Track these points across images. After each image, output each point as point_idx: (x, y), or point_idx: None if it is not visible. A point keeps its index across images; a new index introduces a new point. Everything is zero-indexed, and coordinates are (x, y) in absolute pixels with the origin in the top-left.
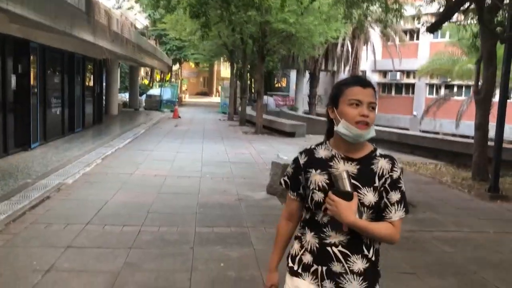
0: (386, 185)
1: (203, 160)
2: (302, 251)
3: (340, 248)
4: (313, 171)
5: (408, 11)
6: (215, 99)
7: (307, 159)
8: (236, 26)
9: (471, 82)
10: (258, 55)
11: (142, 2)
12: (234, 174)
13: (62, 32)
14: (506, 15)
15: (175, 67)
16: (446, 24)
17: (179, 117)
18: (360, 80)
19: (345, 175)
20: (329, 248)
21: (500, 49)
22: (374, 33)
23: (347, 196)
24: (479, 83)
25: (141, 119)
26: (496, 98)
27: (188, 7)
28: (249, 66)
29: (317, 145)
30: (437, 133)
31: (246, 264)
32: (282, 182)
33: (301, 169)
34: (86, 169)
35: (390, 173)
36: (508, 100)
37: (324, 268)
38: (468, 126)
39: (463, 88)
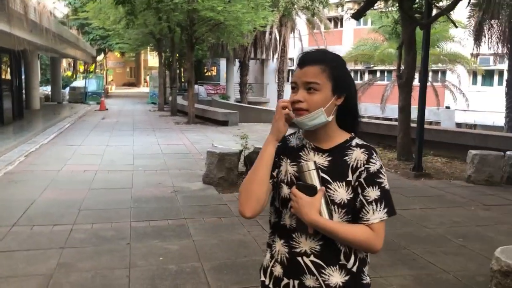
0: (362, 180)
1: (135, 153)
2: (272, 262)
3: (312, 258)
4: (285, 159)
5: None
6: (143, 89)
7: (281, 146)
8: (163, 14)
9: (393, 67)
10: (187, 44)
11: None
12: (168, 165)
13: None
14: (424, 2)
15: (100, 57)
16: (369, 11)
17: (106, 109)
18: (299, 59)
19: (311, 166)
20: (299, 259)
21: (420, 35)
22: (301, 20)
23: (311, 191)
24: (401, 68)
25: (65, 112)
26: (417, 82)
27: None
28: (178, 55)
29: (292, 133)
30: (362, 116)
31: (186, 256)
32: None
33: (276, 154)
34: (9, 167)
35: (366, 166)
36: (427, 84)
37: (296, 282)
38: (392, 110)
39: (385, 73)
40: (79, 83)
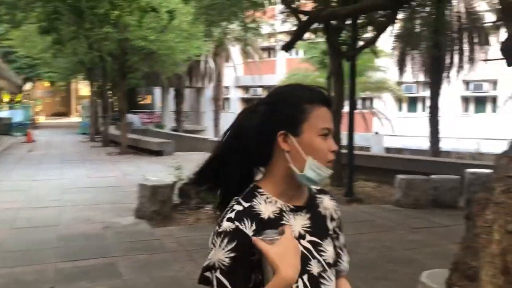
0: (337, 229)
1: (63, 187)
2: None
3: None
4: None
5: (265, 29)
6: (74, 119)
7: (256, 226)
8: (93, 43)
9: None
10: (119, 73)
11: None
12: (98, 200)
13: None
14: (349, 35)
15: (27, 86)
16: (299, 42)
17: (34, 140)
18: (324, 96)
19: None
20: None
21: (347, 65)
22: (235, 50)
23: None
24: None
25: None
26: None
27: (37, 22)
28: (110, 84)
29: (247, 198)
30: None
31: None
32: (215, 283)
33: (251, 245)
34: None
35: (337, 213)
36: (355, 111)
37: None
38: None
39: None
40: (3, 113)
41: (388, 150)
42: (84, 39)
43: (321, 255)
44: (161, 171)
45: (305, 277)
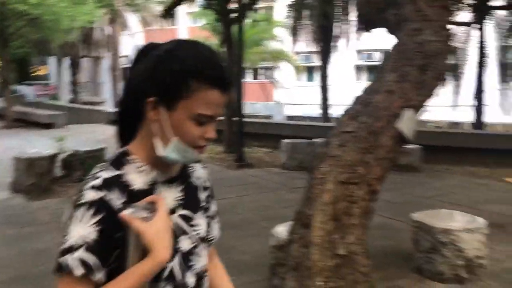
0: (209, 198)
1: None
2: None
3: None
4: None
5: None
6: None
7: (126, 198)
8: None
9: None
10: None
11: None
12: None
13: None
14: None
15: None
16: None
17: None
18: (221, 78)
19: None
20: None
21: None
22: (134, 18)
23: None
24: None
25: None
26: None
27: None
28: None
29: (115, 164)
30: None
31: None
32: (76, 264)
33: (117, 220)
34: None
35: (209, 181)
36: (255, 80)
37: None
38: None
39: None
40: None
41: (290, 118)
42: None
43: (193, 230)
44: (49, 145)
45: (177, 255)
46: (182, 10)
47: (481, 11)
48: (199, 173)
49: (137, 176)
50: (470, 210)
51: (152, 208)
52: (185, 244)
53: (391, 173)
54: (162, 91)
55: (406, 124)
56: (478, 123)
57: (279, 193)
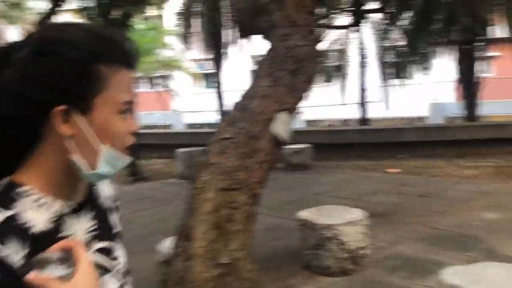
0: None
1: None
2: None
3: None
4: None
5: None
6: None
7: (27, 249)
8: None
9: None
10: None
11: None
12: None
13: None
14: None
15: None
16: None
17: None
18: (129, 52)
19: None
20: None
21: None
22: (12, 29)
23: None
24: None
25: None
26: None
27: None
28: None
29: (5, 200)
30: None
31: None
32: None
33: (20, 283)
34: None
35: (118, 200)
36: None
37: None
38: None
39: None
40: None
41: (190, 126)
42: None
43: (115, 265)
44: None
45: None
46: (62, 19)
47: (358, 15)
48: (107, 191)
49: (36, 213)
50: (355, 203)
51: (67, 257)
52: (111, 286)
53: (283, 173)
54: (66, 93)
55: (280, 126)
56: (363, 120)
57: (176, 204)
